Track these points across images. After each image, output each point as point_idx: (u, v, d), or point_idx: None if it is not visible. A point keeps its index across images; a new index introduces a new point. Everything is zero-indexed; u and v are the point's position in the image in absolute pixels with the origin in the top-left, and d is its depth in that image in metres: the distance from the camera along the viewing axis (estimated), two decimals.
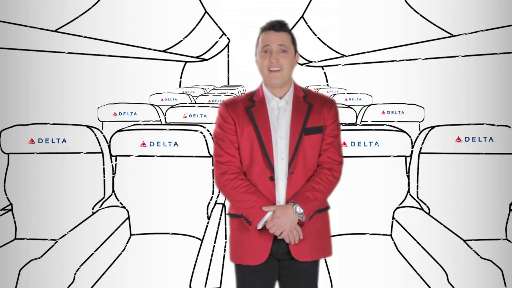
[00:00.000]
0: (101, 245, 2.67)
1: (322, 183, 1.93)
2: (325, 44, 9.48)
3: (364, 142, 3.07)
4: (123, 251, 2.92)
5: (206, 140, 3.04)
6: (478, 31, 4.53)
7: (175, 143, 3.06)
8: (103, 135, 3.23)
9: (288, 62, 1.91)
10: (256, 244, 1.92)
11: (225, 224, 2.90)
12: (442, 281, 2.30)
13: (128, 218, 3.07)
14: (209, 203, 3.05)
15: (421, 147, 3.12)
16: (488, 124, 3.07)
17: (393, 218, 3.06)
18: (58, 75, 5.44)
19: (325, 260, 2.33)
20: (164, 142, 3.06)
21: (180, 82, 12.95)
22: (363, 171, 3.07)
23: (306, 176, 1.93)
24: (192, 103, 5.87)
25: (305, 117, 1.92)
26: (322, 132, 1.94)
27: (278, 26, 1.91)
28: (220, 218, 2.91)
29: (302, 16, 10.05)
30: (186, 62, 12.87)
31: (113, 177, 3.11)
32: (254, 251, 1.92)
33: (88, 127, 3.17)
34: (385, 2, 6.67)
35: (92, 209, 3.12)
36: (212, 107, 4.89)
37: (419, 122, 5.09)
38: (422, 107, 5.10)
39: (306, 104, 1.94)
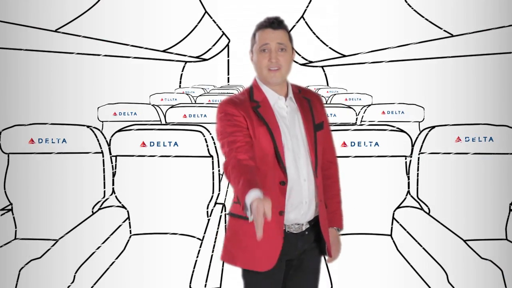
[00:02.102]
0: (101, 245, 2.67)
1: (339, 195, 2.05)
2: (325, 44, 9.48)
3: (364, 142, 3.07)
4: (123, 251, 2.92)
5: (206, 140, 3.04)
6: (478, 31, 4.53)
7: (175, 143, 3.06)
8: (103, 135, 3.23)
9: (286, 60, 1.86)
10: (265, 248, 1.82)
11: (225, 224, 2.90)
12: (442, 281, 2.30)
13: (128, 218, 3.07)
14: (209, 203, 3.05)
15: (421, 147, 3.12)
16: (488, 124, 3.07)
17: (393, 218, 3.06)
18: (58, 75, 5.44)
19: (325, 260, 2.33)
20: (164, 142, 3.06)
21: (180, 82, 12.95)
22: (363, 171, 3.07)
23: (321, 174, 1.93)
24: (192, 103, 5.87)
25: (311, 113, 1.90)
26: (323, 128, 1.92)
27: (276, 24, 1.86)
28: (220, 218, 2.91)
29: (302, 16, 10.05)
30: (186, 62, 12.87)
31: (113, 177, 3.11)
32: (262, 256, 1.83)
33: (88, 127, 3.17)
34: (385, 2, 6.67)
35: (92, 209, 3.12)
36: (212, 107, 4.89)
37: (419, 122, 5.09)
38: (422, 107, 5.10)
39: (305, 100, 1.92)
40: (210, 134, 3.11)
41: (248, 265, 1.87)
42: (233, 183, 1.70)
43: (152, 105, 5.26)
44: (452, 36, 5.13)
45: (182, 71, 13.06)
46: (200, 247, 2.60)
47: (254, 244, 1.80)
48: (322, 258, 2.06)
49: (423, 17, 5.71)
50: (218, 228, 2.79)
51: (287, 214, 1.85)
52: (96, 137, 3.15)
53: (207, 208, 3.05)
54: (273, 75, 1.85)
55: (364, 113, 5.07)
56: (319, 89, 9.55)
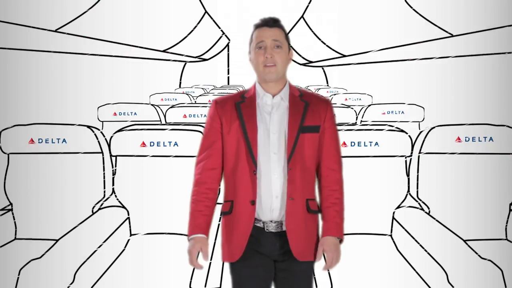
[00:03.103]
0: (101, 245, 2.67)
1: (339, 203, 2.00)
2: (325, 44, 9.48)
3: (364, 142, 3.07)
4: (123, 251, 2.92)
5: None
6: (478, 31, 4.53)
7: (175, 143, 3.06)
8: (103, 135, 3.23)
9: (282, 57, 1.90)
10: (236, 238, 1.93)
11: None
12: (442, 281, 2.30)
13: (128, 218, 3.07)
14: None
15: (421, 147, 3.12)
16: (488, 124, 3.07)
17: (393, 218, 3.06)
18: (58, 75, 5.45)
19: (325, 260, 2.33)
20: (164, 142, 3.06)
21: (180, 82, 12.96)
22: (363, 171, 3.07)
23: (303, 175, 1.91)
24: (192, 103, 5.87)
25: (302, 115, 1.91)
26: (318, 132, 1.93)
27: (271, 22, 1.92)
28: (220, 218, 2.91)
29: (302, 16, 10.05)
30: (186, 62, 12.87)
31: (113, 177, 3.11)
32: (234, 246, 1.93)
33: (88, 127, 3.17)
34: (385, 2, 6.67)
35: (92, 209, 3.12)
36: None
37: (419, 122, 5.09)
38: (422, 107, 5.10)
39: (302, 103, 1.94)
40: None
41: (224, 257, 1.98)
42: (190, 210, 1.98)
43: (152, 105, 5.26)
44: (452, 36, 5.13)
45: (182, 71, 13.06)
46: None
47: (228, 237, 1.95)
48: (322, 260, 2.05)
49: (423, 17, 5.72)
50: (218, 228, 2.79)
51: (258, 206, 1.90)
52: (96, 137, 3.15)
53: None
54: (269, 71, 1.90)
55: (364, 113, 5.07)
56: (319, 89, 9.55)
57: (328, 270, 2.33)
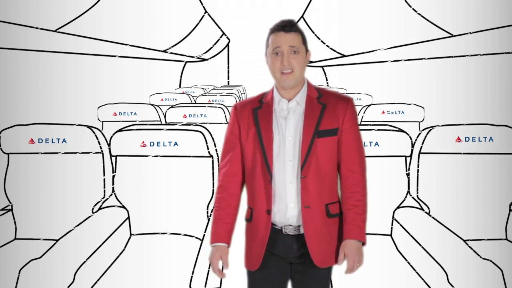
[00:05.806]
0: (101, 245, 2.67)
1: (360, 205, 1.99)
2: (325, 44, 9.49)
3: (364, 142, 3.06)
4: (123, 251, 2.92)
5: (206, 140, 3.04)
6: (478, 31, 4.53)
7: (175, 143, 3.06)
8: (103, 135, 3.23)
9: (299, 63, 1.87)
10: (254, 247, 1.92)
11: None
12: (442, 281, 2.31)
13: (128, 218, 3.07)
14: (209, 203, 3.05)
15: (421, 147, 3.12)
16: (488, 124, 3.07)
17: (393, 218, 3.06)
18: (58, 75, 5.45)
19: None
20: (164, 142, 3.06)
21: (180, 82, 12.96)
22: None
23: (319, 181, 1.87)
24: (192, 103, 5.87)
25: (318, 119, 1.87)
26: (336, 134, 1.88)
27: (288, 27, 1.89)
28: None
29: (302, 16, 10.06)
30: (186, 62, 12.88)
31: (113, 177, 3.11)
32: (253, 255, 1.92)
33: (88, 127, 3.17)
34: (385, 2, 6.67)
35: (92, 209, 3.12)
36: (212, 107, 4.90)
37: (419, 122, 5.09)
38: (422, 107, 5.10)
39: (319, 105, 1.89)
40: (210, 134, 3.11)
41: (246, 265, 1.97)
42: (213, 217, 1.96)
43: (152, 105, 5.26)
44: (452, 36, 5.14)
45: (182, 71, 13.06)
46: (200, 247, 2.60)
47: (249, 244, 1.95)
48: (333, 266, 2.03)
49: (423, 17, 5.72)
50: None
51: (273, 215, 1.88)
52: (96, 137, 3.15)
53: (207, 208, 3.05)
54: (286, 78, 1.86)
55: (364, 113, 5.07)
56: None
57: None
